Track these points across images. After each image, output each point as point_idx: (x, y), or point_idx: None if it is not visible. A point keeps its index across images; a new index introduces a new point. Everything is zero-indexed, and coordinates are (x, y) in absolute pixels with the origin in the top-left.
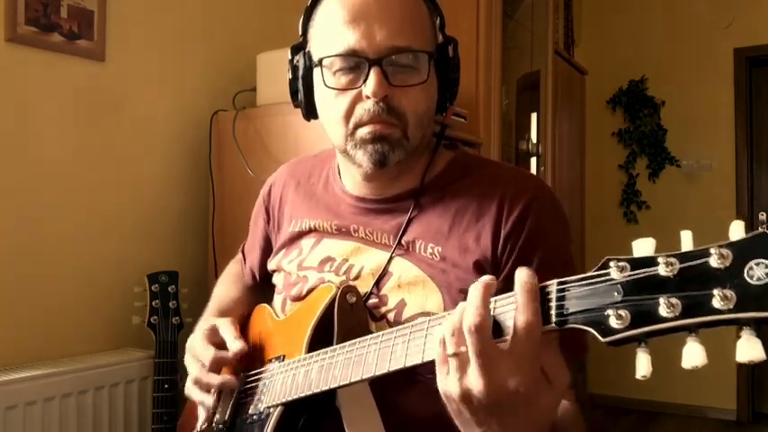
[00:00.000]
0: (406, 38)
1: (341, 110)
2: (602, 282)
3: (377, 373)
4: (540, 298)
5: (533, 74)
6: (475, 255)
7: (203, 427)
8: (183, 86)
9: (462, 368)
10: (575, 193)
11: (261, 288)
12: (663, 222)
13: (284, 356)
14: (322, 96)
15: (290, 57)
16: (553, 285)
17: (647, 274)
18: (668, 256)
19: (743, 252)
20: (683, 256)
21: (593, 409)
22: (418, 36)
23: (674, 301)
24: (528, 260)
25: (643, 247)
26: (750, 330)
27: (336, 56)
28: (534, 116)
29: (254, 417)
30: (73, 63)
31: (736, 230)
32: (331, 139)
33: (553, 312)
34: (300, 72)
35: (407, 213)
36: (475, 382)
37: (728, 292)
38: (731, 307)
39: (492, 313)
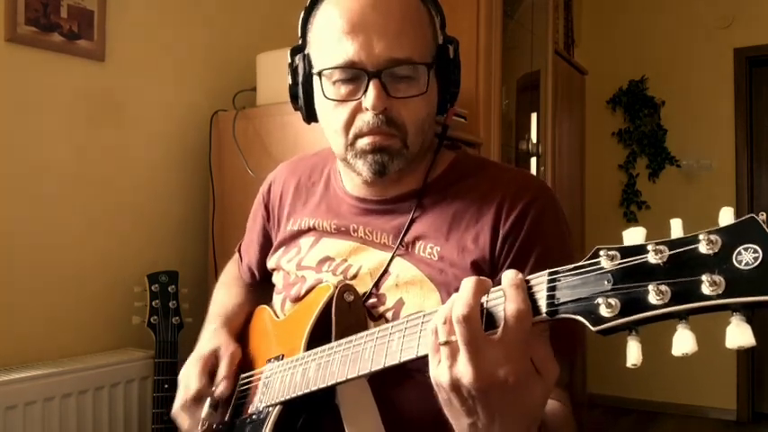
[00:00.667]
0: (406, 48)
1: (341, 120)
2: (592, 271)
3: (373, 369)
4: (529, 289)
5: (533, 74)
6: (473, 255)
7: (203, 427)
8: (183, 86)
9: (453, 356)
10: (575, 193)
11: (261, 286)
12: (663, 222)
13: (283, 356)
14: (322, 106)
15: (289, 59)
16: (544, 276)
17: (636, 261)
18: (657, 243)
19: (732, 237)
20: (673, 243)
21: (592, 408)
22: (418, 45)
23: (663, 288)
24: (525, 259)
25: (633, 235)
26: (740, 316)
27: (335, 68)
28: (534, 116)
29: (254, 416)
30: (73, 63)
31: (726, 216)
32: (331, 146)
33: (543, 303)
34: (300, 78)
35: (409, 214)
36: (464, 370)
37: (717, 278)
38: (720, 292)
39: (485, 306)
